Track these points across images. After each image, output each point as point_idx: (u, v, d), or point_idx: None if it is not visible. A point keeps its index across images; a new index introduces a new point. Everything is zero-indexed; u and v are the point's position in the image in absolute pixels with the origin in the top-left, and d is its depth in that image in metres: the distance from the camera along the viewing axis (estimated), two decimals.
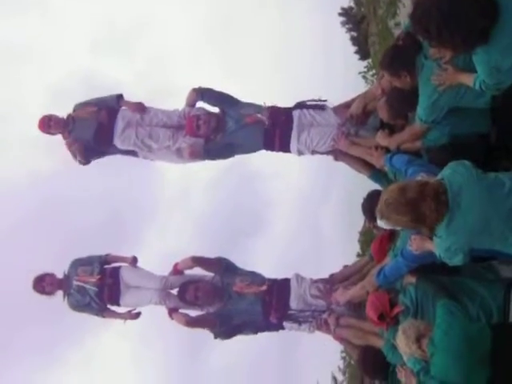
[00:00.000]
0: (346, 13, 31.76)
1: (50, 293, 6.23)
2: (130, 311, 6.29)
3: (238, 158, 6.17)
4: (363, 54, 30.38)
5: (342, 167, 5.90)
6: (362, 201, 5.19)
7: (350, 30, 32.48)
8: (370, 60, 25.69)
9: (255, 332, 6.12)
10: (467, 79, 3.84)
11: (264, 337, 6.23)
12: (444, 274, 4.39)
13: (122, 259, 6.38)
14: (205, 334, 6.19)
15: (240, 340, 6.29)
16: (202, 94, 6.05)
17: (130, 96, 6.38)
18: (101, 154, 6.30)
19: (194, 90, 6.07)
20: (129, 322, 6.35)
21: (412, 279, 4.49)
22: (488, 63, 3.36)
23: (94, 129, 6.04)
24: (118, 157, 6.39)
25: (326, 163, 6.10)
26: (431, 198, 3.19)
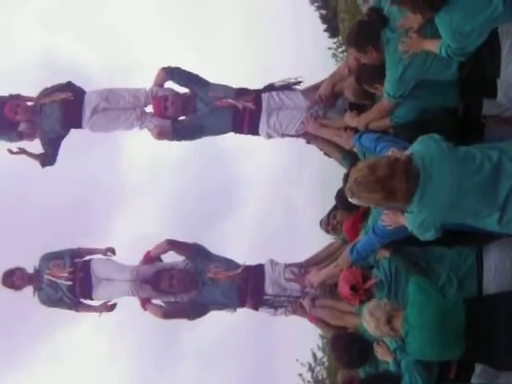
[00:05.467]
0: None
1: (19, 287, 6.09)
2: (105, 303, 6.18)
3: (205, 138, 6.11)
4: (332, 31, 30.36)
5: (314, 147, 5.88)
6: (336, 184, 5.25)
7: (319, 7, 32.46)
8: (339, 37, 25.74)
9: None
10: (432, 46, 3.87)
11: (241, 316, 6.18)
12: (416, 245, 4.41)
13: (96, 251, 6.29)
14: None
15: (215, 320, 6.21)
16: (172, 73, 5.99)
17: (92, 76, 6.33)
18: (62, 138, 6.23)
19: (164, 69, 6.01)
20: (104, 314, 6.23)
21: (385, 253, 4.50)
22: (450, 26, 3.45)
23: (62, 114, 5.98)
24: (82, 142, 6.32)
25: (298, 143, 6.07)
26: (401, 173, 3.15)
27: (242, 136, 5.98)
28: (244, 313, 6.10)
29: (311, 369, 16.86)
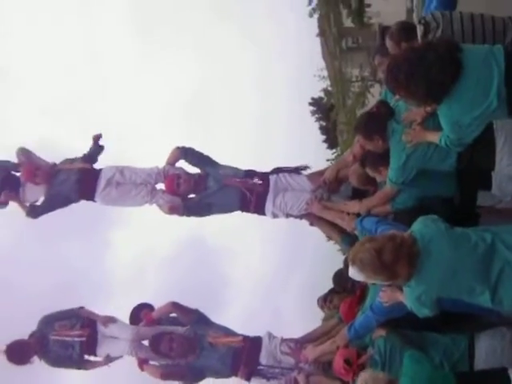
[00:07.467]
0: (315, 102, 32.97)
1: (31, 361, 6.14)
2: (107, 356, 6.21)
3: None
4: (331, 142, 31.36)
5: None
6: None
7: (319, 119, 33.64)
8: (338, 148, 26.55)
9: None
10: (434, 137, 4.16)
11: None
12: (411, 328, 4.59)
13: (96, 317, 6.31)
14: None
15: None
16: (186, 152, 6.26)
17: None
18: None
19: (178, 148, 6.28)
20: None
21: (382, 332, 4.65)
22: (450, 117, 3.69)
23: (77, 182, 6.19)
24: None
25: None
26: (405, 259, 3.36)
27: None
28: None
29: None
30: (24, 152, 6.36)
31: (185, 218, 6.26)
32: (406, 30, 4.82)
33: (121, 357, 6.28)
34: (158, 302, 6.54)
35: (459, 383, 3.74)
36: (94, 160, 6.45)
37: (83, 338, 6.06)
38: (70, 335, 6.05)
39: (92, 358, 6.26)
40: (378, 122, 4.63)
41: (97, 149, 6.47)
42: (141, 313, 6.37)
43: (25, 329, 6.40)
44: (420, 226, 3.57)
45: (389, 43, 4.89)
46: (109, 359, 6.24)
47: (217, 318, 6.31)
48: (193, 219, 6.30)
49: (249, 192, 5.95)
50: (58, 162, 6.45)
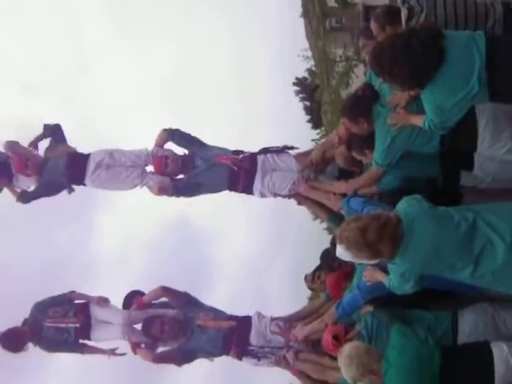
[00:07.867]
0: (299, 82, 33.00)
1: (27, 348, 6.23)
2: (113, 349, 6.37)
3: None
4: (315, 122, 31.43)
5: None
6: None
7: (303, 99, 33.67)
8: (322, 128, 26.57)
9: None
10: (417, 120, 4.28)
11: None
12: (397, 306, 4.76)
13: (89, 298, 6.41)
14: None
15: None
16: (173, 134, 6.29)
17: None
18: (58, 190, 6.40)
19: (165, 130, 6.32)
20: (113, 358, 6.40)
21: (370, 308, 4.82)
22: (433, 102, 3.83)
23: (66, 167, 6.23)
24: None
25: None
26: (388, 238, 3.49)
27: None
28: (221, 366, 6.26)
29: None
30: (10, 145, 6.37)
31: (169, 200, 6.33)
32: (390, 13, 4.90)
33: (125, 354, 6.39)
34: (144, 285, 6.64)
35: (444, 356, 3.88)
36: (63, 136, 6.45)
37: (77, 325, 6.15)
38: (63, 322, 6.14)
39: (88, 343, 6.35)
40: (363, 105, 4.71)
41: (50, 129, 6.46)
42: (133, 299, 6.44)
43: (13, 311, 6.55)
44: (404, 206, 3.71)
45: (373, 25, 4.97)
46: (112, 352, 6.36)
47: (203, 299, 6.42)
48: (178, 200, 6.36)
49: (237, 168, 6.00)
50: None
